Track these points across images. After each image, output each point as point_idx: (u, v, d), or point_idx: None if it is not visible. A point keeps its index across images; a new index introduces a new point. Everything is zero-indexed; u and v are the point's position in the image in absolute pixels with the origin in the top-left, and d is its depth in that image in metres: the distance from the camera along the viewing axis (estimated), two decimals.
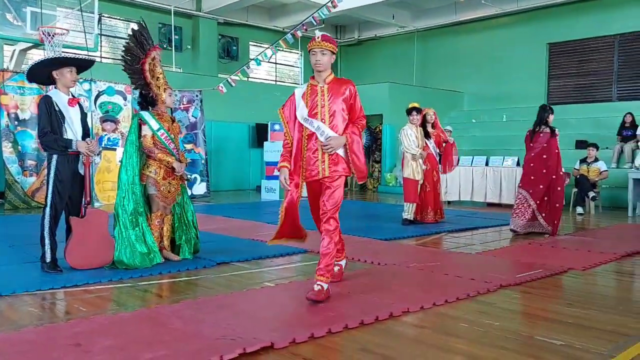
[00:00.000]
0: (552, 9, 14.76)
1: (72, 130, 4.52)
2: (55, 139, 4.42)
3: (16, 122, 9.76)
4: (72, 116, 4.55)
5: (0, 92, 9.66)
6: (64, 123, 4.48)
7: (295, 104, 3.89)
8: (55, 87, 4.61)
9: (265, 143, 12.68)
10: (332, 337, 3.03)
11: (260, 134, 14.85)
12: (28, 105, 9.87)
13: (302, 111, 3.84)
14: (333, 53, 3.82)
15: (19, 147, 9.74)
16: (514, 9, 15.24)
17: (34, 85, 9.99)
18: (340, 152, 3.82)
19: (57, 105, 4.47)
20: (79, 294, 3.91)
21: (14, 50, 11.58)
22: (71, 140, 4.46)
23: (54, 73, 4.52)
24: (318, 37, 3.79)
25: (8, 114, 9.69)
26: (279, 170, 3.90)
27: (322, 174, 3.81)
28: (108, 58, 15.15)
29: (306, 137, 3.83)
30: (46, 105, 4.44)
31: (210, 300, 3.77)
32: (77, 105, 4.64)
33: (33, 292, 3.90)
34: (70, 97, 4.60)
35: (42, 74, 4.61)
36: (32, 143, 9.85)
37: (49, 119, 4.43)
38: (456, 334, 3.11)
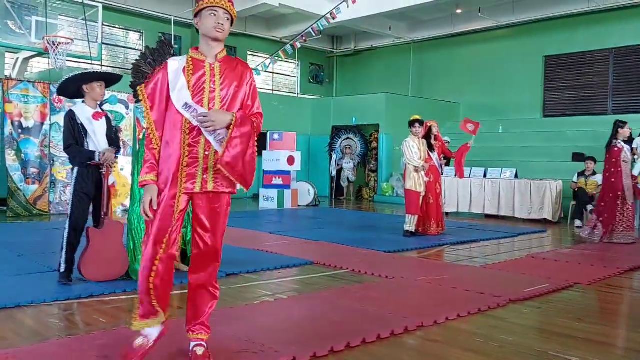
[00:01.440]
0: (548, 22, 14.96)
1: (95, 143, 4.60)
2: (80, 150, 4.56)
3: (20, 130, 9.78)
4: (95, 129, 4.64)
5: (5, 101, 9.68)
6: (86, 136, 4.59)
7: (167, 81, 2.71)
8: (83, 101, 4.70)
9: (264, 152, 12.75)
10: (351, 352, 3.09)
11: (258, 142, 14.88)
12: (32, 114, 9.89)
13: (181, 93, 2.69)
14: (232, 23, 2.81)
15: (22, 155, 9.75)
16: (510, 21, 15.44)
17: (38, 94, 10.05)
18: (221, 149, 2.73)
19: (80, 119, 4.60)
20: (96, 305, 3.95)
21: (17, 59, 11.62)
22: (94, 151, 4.55)
23: (85, 87, 4.63)
24: None
25: (12, 122, 9.70)
26: (141, 187, 2.71)
27: (201, 187, 2.72)
28: (109, 67, 15.18)
29: (186, 132, 2.69)
30: (69, 120, 4.60)
31: (226, 312, 3.81)
32: (104, 118, 4.72)
33: (51, 303, 3.95)
34: (97, 110, 4.69)
35: (72, 88, 4.70)
36: (35, 151, 9.87)
37: (73, 133, 4.58)
38: (473, 349, 3.18)
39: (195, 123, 2.67)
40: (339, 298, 4.24)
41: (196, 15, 2.78)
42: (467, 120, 8.85)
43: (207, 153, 2.70)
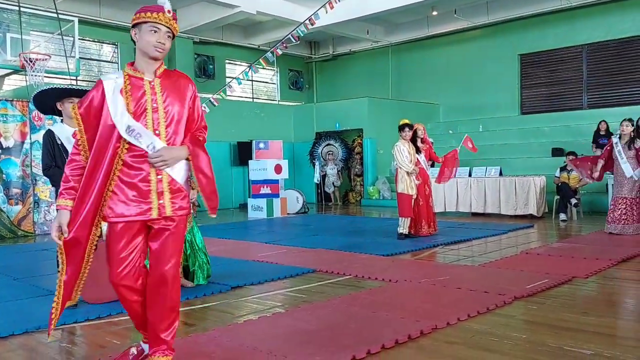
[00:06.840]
0: (522, 21, 15.25)
1: None
2: (60, 172, 4.43)
3: (0, 151, 9.60)
4: None
5: None
6: (67, 156, 4.50)
7: (104, 101, 2.55)
8: (62, 120, 4.64)
9: (250, 162, 12.72)
10: (372, 359, 3.12)
11: (242, 152, 14.89)
12: (11, 133, 9.73)
13: (122, 116, 2.54)
14: (173, 38, 2.69)
15: (4, 175, 9.58)
16: (484, 22, 15.69)
17: (17, 112, 9.90)
18: (179, 175, 2.68)
19: (60, 139, 4.51)
20: (105, 327, 3.91)
21: None
22: None
23: (58, 105, 4.53)
24: (169, 11, 2.60)
25: None
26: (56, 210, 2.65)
27: (158, 212, 2.62)
28: (83, 80, 14.98)
29: (123, 154, 2.58)
30: (49, 140, 4.52)
31: (240, 326, 3.82)
32: None
33: (59, 327, 3.88)
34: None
35: (48, 106, 4.61)
36: (17, 171, 9.70)
37: (52, 154, 4.50)
38: (489, 348, 3.23)
39: (141, 147, 2.56)
40: (349, 305, 4.26)
41: (134, 25, 2.61)
42: (468, 138, 9.06)
43: (159, 177, 2.61)
